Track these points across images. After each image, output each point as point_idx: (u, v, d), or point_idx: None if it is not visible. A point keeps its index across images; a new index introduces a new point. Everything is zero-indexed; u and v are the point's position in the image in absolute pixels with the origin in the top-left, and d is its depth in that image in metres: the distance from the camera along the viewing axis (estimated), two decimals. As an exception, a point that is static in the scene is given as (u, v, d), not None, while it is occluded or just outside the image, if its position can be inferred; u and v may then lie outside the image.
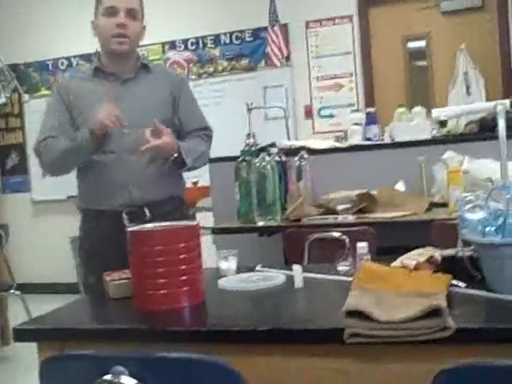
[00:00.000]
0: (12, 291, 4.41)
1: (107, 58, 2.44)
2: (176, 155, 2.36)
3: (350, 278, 1.78)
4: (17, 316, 4.47)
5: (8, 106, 6.42)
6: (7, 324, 4.44)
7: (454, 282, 1.56)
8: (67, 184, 5.99)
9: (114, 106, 2.26)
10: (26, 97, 6.39)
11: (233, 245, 3.15)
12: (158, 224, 1.82)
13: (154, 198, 2.39)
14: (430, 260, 1.84)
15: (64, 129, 2.38)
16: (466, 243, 1.64)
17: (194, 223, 1.73)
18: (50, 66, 6.32)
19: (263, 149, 3.49)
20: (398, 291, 1.44)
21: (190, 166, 2.43)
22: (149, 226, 1.80)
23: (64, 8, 6.20)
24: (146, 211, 2.37)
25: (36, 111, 6.31)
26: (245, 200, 3.26)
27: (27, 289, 5.58)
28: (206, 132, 2.56)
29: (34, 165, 6.39)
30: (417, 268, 1.79)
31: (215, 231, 3.28)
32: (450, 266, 1.70)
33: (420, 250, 1.98)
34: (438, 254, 1.83)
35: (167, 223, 1.82)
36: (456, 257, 1.71)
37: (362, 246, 1.81)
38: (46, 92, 6.34)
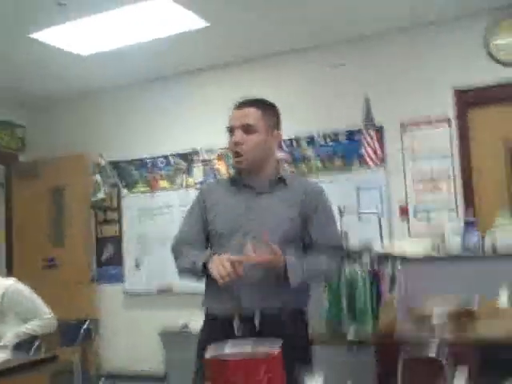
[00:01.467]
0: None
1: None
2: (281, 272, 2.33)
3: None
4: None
5: (107, 200, 6.64)
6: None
7: None
8: (159, 277, 6.15)
9: (228, 260, 2.28)
10: (124, 192, 6.62)
11: (323, 352, 3.02)
12: (239, 348, 1.75)
13: (264, 308, 2.36)
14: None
15: (197, 234, 2.56)
16: None
17: (276, 351, 1.63)
18: (149, 164, 6.53)
19: (354, 254, 3.39)
20: None
21: (299, 284, 2.36)
22: (228, 351, 1.72)
23: (163, 110, 6.47)
24: (256, 322, 2.35)
25: (133, 206, 6.53)
26: (334, 308, 3.13)
27: (116, 381, 5.59)
28: (336, 250, 2.51)
29: (128, 257, 6.53)
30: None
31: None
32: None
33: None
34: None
35: (249, 341, 1.75)
36: None
37: (461, 380, 1.65)
38: (143, 188, 6.54)
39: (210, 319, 2.50)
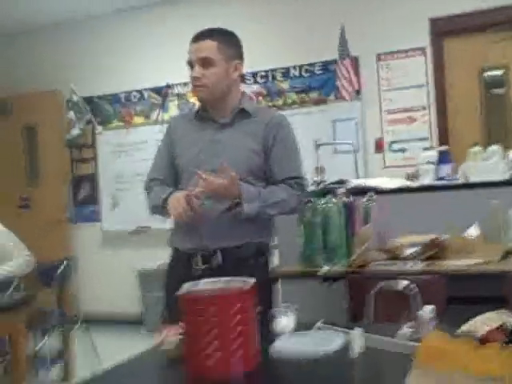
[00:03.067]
0: (78, 325, 4.43)
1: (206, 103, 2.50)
2: (238, 200, 2.29)
3: (413, 343, 1.67)
4: (82, 350, 4.50)
5: (82, 138, 6.55)
6: (72, 359, 4.41)
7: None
8: (137, 216, 6.14)
9: (184, 197, 2.25)
10: (99, 128, 6.52)
11: (296, 288, 3.05)
12: (213, 280, 1.77)
13: (226, 244, 2.35)
14: (500, 327, 1.70)
15: (166, 170, 2.53)
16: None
17: (250, 283, 1.66)
18: (123, 99, 6.43)
19: (330, 189, 3.40)
20: (462, 373, 1.31)
21: (255, 213, 2.31)
22: (202, 284, 1.74)
23: (136, 43, 6.31)
24: (219, 256, 2.35)
25: (108, 142, 6.45)
26: (309, 243, 3.16)
27: (92, 319, 5.62)
28: (296, 180, 2.43)
29: (105, 195, 6.50)
30: (485, 338, 1.65)
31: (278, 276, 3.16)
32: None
33: (491, 314, 1.84)
34: (510, 321, 1.69)
35: (224, 279, 1.77)
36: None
37: (427, 312, 1.68)
38: (119, 123, 6.45)
39: (175, 256, 2.50)
